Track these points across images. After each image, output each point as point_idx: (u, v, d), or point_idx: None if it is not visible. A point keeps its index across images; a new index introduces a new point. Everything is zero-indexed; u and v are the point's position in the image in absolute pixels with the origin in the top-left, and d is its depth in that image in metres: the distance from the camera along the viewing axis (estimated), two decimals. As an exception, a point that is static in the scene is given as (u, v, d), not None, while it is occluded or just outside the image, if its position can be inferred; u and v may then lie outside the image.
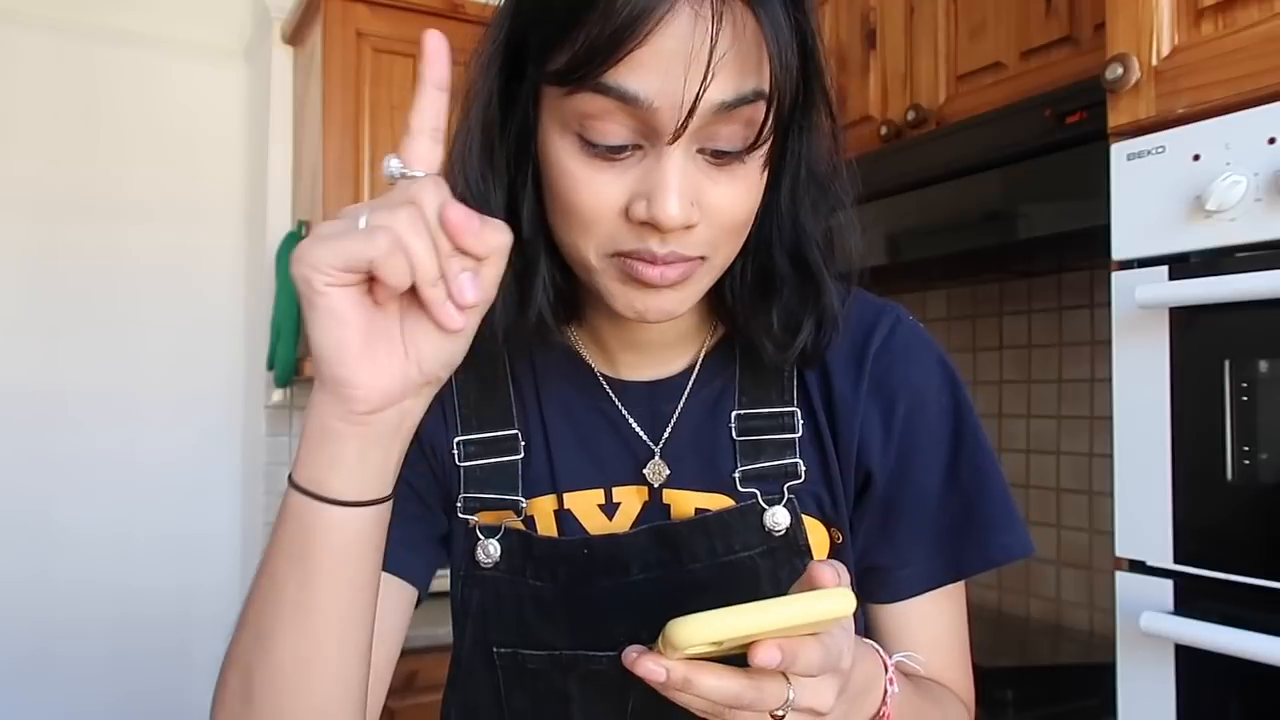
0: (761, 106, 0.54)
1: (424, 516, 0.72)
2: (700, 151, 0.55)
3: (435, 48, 0.49)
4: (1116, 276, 1.12)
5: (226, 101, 2.55)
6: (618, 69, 0.52)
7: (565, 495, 0.69)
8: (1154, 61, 1.10)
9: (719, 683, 0.47)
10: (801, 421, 0.68)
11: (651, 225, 0.55)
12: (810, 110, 0.60)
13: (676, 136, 0.53)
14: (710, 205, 0.56)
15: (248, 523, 2.49)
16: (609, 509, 0.69)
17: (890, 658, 0.61)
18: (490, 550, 0.68)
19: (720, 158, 0.56)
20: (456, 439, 0.70)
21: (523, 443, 0.70)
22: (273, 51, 2.39)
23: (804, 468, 0.68)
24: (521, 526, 0.69)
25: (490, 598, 0.69)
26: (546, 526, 0.69)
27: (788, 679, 0.48)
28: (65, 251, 2.37)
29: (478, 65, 0.63)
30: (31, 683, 2.31)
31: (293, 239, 2.24)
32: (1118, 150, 1.12)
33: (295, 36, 2.35)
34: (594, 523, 0.69)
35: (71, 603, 2.35)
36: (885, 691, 0.58)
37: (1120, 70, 1.11)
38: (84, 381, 2.38)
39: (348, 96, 2.14)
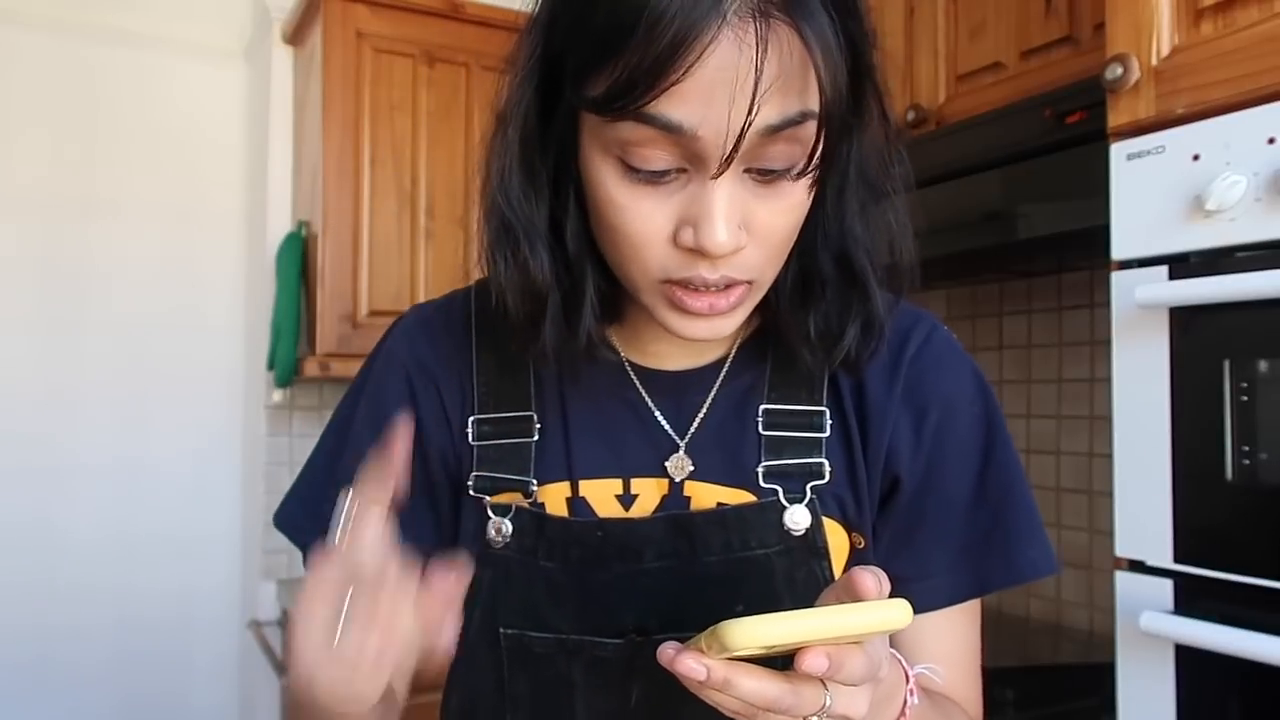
0: (811, 125, 0.53)
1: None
2: (747, 171, 0.54)
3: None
4: (1116, 276, 1.12)
5: (226, 102, 2.55)
6: (659, 100, 0.50)
7: (581, 483, 0.68)
8: (1154, 61, 1.10)
9: (759, 685, 0.47)
10: (830, 422, 0.68)
11: (700, 252, 0.54)
12: (861, 112, 0.58)
13: (722, 170, 0.52)
14: (758, 225, 0.55)
15: (248, 523, 2.49)
16: (626, 499, 0.68)
17: (912, 669, 0.60)
18: (502, 529, 0.67)
19: (767, 175, 0.54)
20: (472, 418, 0.70)
21: (538, 425, 0.69)
22: (273, 51, 2.39)
23: (829, 468, 0.67)
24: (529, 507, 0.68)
25: (500, 577, 0.68)
26: (557, 514, 0.68)
27: (824, 684, 0.48)
28: (65, 251, 2.37)
29: (512, 78, 0.60)
30: (33, 685, 2.31)
31: (293, 239, 2.24)
32: (1118, 150, 1.12)
33: (295, 36, 2.35)
34: (610, 513, 0.68)
35: (72, 604, 2.35)
36: (905, 702, 0.58)
37: (1120, 70, 1.11)
38: (84, 382, 2.38)
39: (348, 96, 2.14)
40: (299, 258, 2.23)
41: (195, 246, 2.51)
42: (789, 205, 0.56)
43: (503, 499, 0.68)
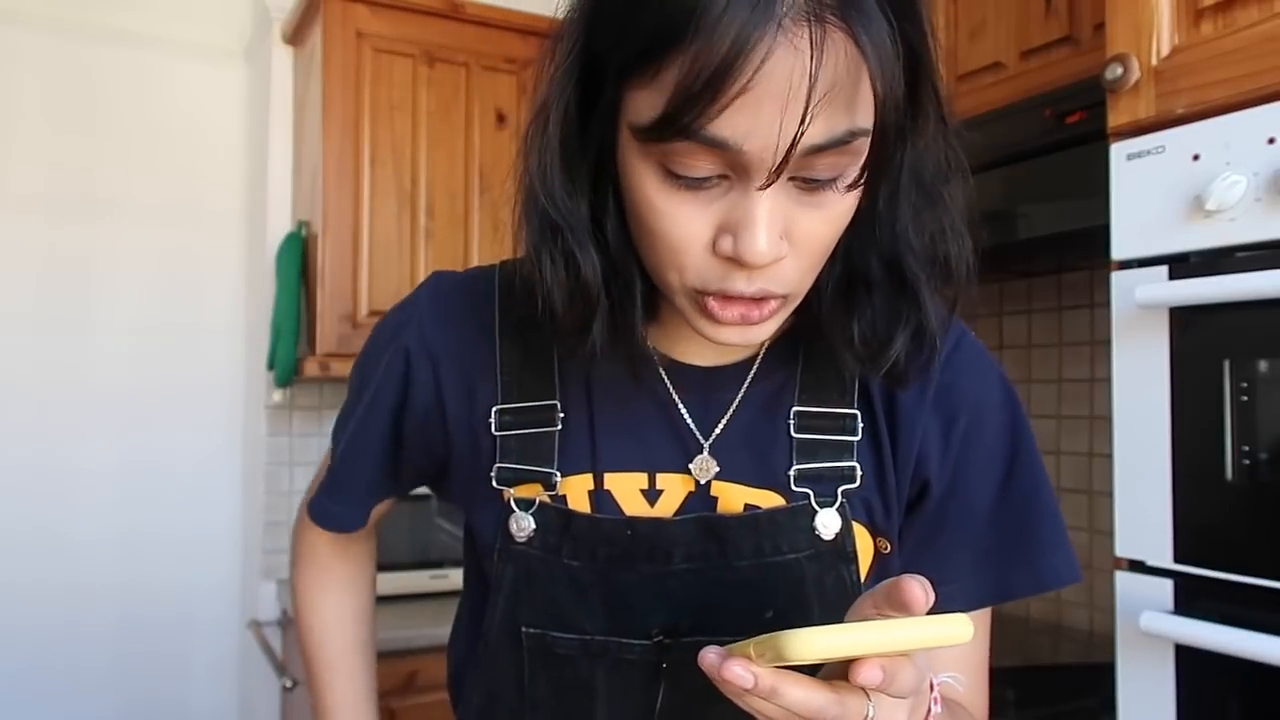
0: (860, 141, 0.50)
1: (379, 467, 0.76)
2: (792, 179, 0.52)
3: None
4: (1116, 276, 1.12)
5: (226, 101, 2.55)
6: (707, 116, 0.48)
7: (605, 475, 0.67)
8: (1154, 61, 1.10)
9: (805, 695, 0.46)
10: (861, 425, 0.67)
11: (737, 261, 0.52)
12: (917, 116, 0.55)
13: (769, 184, 0.50)
14: (800, 235, 0.53)
15: (248, 522, 2.49)
16: (651, 495, 0.67)
17: (936, 677, 0.60)
18: (524, 524, 0.66)
19: (812, 184, 0.52)
20: (495, 407, 0.68)
21: (561, 414, 0.67)
22: (273, 51, 2.39)
23: (860, 472, 0.66)
24: (551, 502, 0.67)
25: (522, 574, 0.67)
26: (579, 507, 0.67)
27: (867, 695, 0.48)
28: (65, 252, 2.37)
29: (552, 71, 0.58)
30: (33, 685, 2.31)
31: (293, 239, 2.24)
32: (1117, 150, 1.12)
33: (295, 36, 2.35)
34: (634, 507, 0.66)
35: (73, 604, 2.35)
36: (929, 711, 0.58)
37: (1120, 70, 1.11)
38: (84, 382, 2.38)
39: (348, 96, 2.14)
40: (299, 258, 2.23)
41: (195, 247, 2.51)
42: (833, 215, 0.54)
43: (524, 491, 0.67)
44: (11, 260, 2.32)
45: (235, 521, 2.55)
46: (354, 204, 2.15)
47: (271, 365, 2.23)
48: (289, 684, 1.94)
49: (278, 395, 2.36)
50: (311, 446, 2.42)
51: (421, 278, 2.18)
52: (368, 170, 2.16)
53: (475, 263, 2.25)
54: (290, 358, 2.17)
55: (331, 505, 0.80)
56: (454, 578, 2.15)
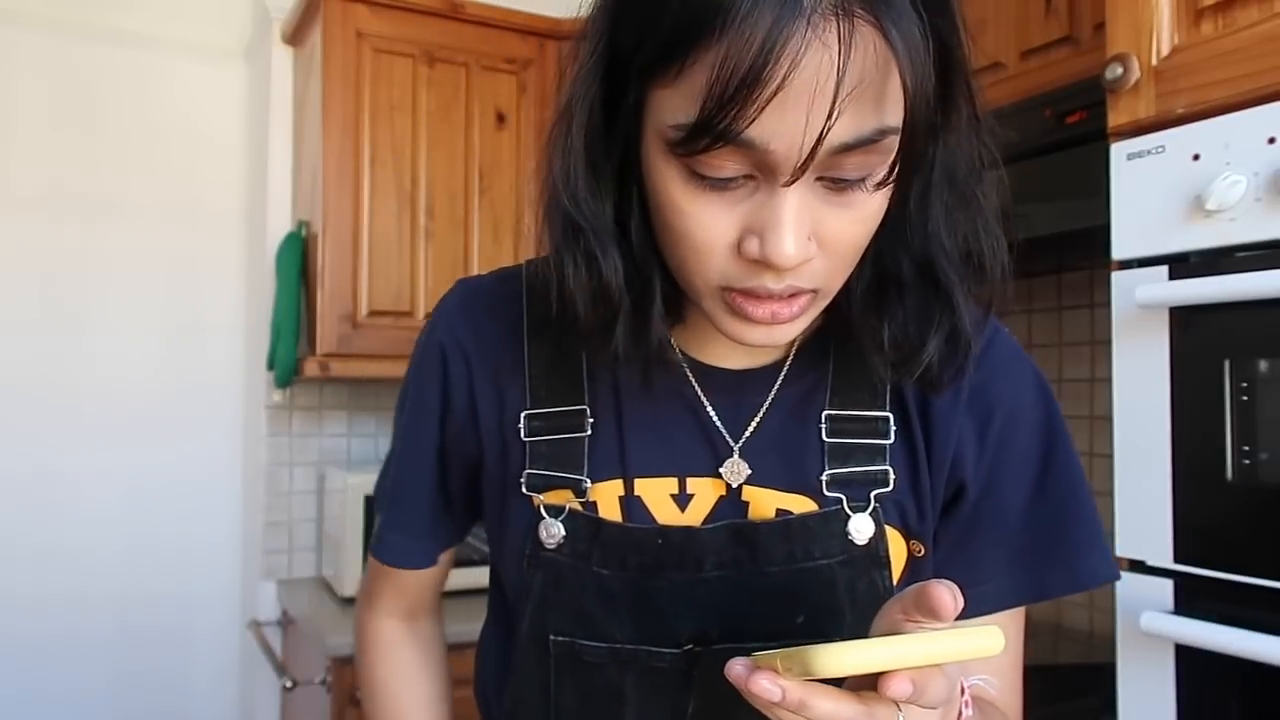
0: (889, 140, 0.49)
1: (436, 497, 0.75)
2: (820, 179, 0.51)
3: None
4: (1116, 276, 1.12)
5: (226, 102, 2.55)
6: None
7: (636, 481, 0.66)
8: (1154, 61, 1.10)
9: (835, 707, 0.46)
10: (894, 428, 0.66)
11: (765, 263, 0.51)
12: (949, 113, 0.53)
13: (793, 180, 0.49)
14: (828, 235, 0.52)
15: (248, 523, 2.49)
16: (682, 499, 0.66)
17: (967, 679, 0.59)
18: (553, 530, 0.66)
19: (840, 184, 0.51)
20: (524, 412, 0.68)
21: (590, 419, 0.67)
22: (273, 51, 2.39)
23: (893, 476, 0.65)
24: (582, 510, 0.66)
25: (551, 581, 0.66)
26: (609, 513, 0.66)
27: (897, 705, 0.47)
28: (64, 251, 2.37)
29: (575, 71, 0.57)
30: (34, 696, 2.31)
31: (293, 239, 2.24)
32: (1118, 150, 1.12)
33: (295, 36, 2.35)
34: (665, 512, 0.66)
35: (72, 614, 2.35)
36: (960, 715, 0.57)
37: (1120, 70, 1.11)
38: (83, 382, 2.38)
39: (348, 96, 2.14)
40: (299, 258, 2.23)
41: (195, 247, 2.51)
42: (862, 215, 0.53)
43: (553, 498, 0.66)
44: (11, 260, 2.32)
45: (235, 522, 2.55)
46: (354, 204, 2.15)
47: (271, 365, 2.23)
48: (289, 684, 1.94)
49: (278, 395, 2.36)
50: (311, 447, 2.42)
51: (422, 278, 2.21)
52: (368, 170, 2.16)
53: (475, 263, 2.25)
54: (290, 358, 2.17)
55: (392, 536, 0.77)
56: (454, 578, 2.15)
